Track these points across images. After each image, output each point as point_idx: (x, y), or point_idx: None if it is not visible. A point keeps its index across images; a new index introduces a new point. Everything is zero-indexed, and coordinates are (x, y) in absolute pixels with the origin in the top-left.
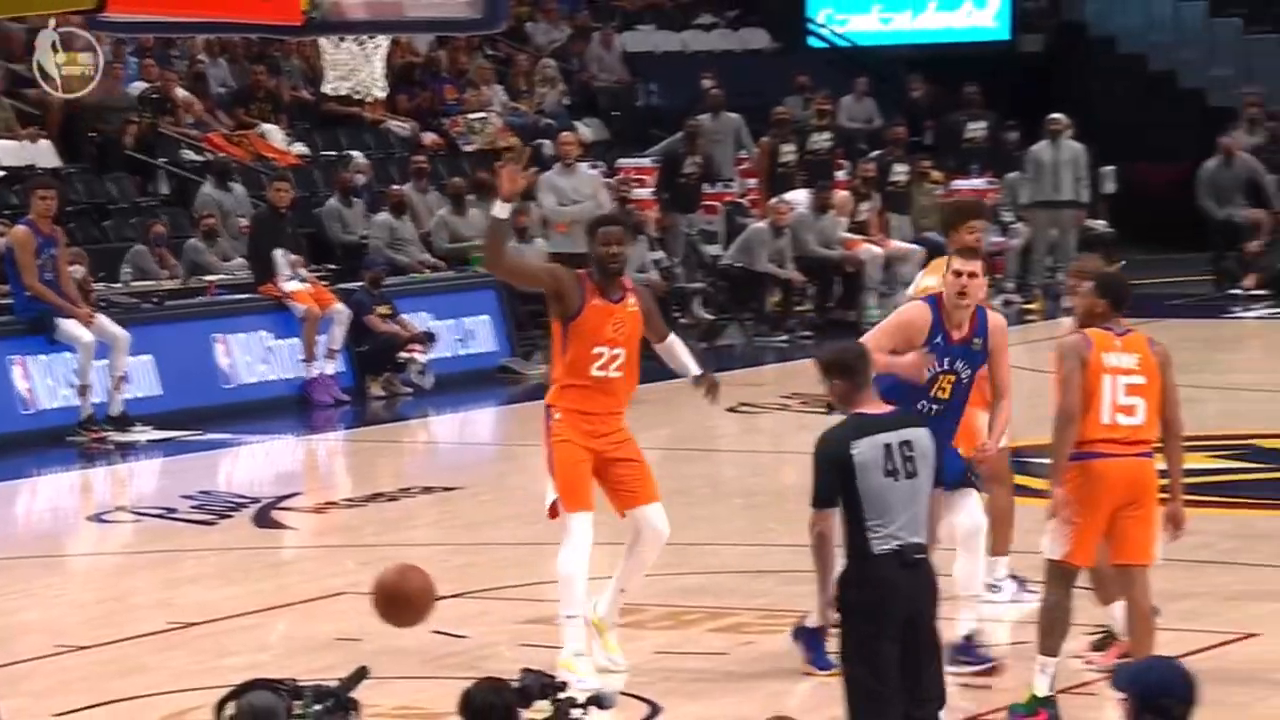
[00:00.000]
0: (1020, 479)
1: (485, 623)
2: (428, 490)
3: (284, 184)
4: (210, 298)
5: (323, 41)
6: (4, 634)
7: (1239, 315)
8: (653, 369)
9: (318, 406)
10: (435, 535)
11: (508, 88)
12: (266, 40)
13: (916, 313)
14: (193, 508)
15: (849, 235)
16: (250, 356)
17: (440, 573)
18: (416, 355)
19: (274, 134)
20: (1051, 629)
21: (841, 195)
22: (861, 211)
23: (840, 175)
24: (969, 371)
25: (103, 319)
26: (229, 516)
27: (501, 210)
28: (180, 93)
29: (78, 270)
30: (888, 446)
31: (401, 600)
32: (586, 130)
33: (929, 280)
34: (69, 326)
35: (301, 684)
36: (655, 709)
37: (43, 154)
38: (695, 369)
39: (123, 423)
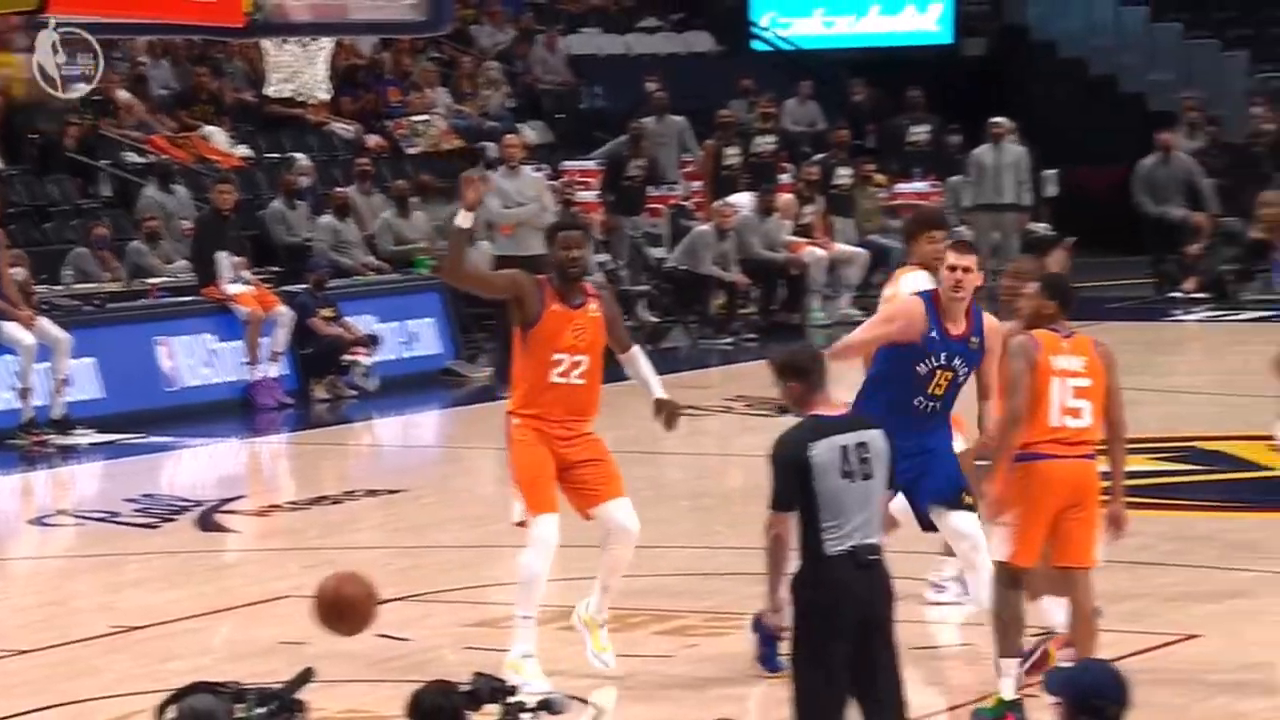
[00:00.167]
0: None
1: (429, 626)
2: (372, 493)
3: (227, 186)
4: (153, 300)
5: (266, 43)
6: None
7: (1179, 318)
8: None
9: (261, 409)
10: (379, 538)
11: (452, 90)
12: (209, 42)
13: (912, 305)
14: (135, 511)
15: (793, 238)
16: (193, 359)
17: (384, 576)
18: (361, 358)
19: (217, 136)
20: (1006, 631)
21: (785, 198)
22: (805, 214)
23: (784, 178)
24: (966, 369)
25: (44, 321)
26: (172, 520)
27: (464, 220)
28: (122, 94)
29: (19, 272)
30: (844, 448)
31: (343, 608)
32: (531, 133)
33: (905, 285)
34: (10, 329)
35: (245, 686)
36: (599, 712)
37: None
38: (658, 391)
39: (64, 426)
